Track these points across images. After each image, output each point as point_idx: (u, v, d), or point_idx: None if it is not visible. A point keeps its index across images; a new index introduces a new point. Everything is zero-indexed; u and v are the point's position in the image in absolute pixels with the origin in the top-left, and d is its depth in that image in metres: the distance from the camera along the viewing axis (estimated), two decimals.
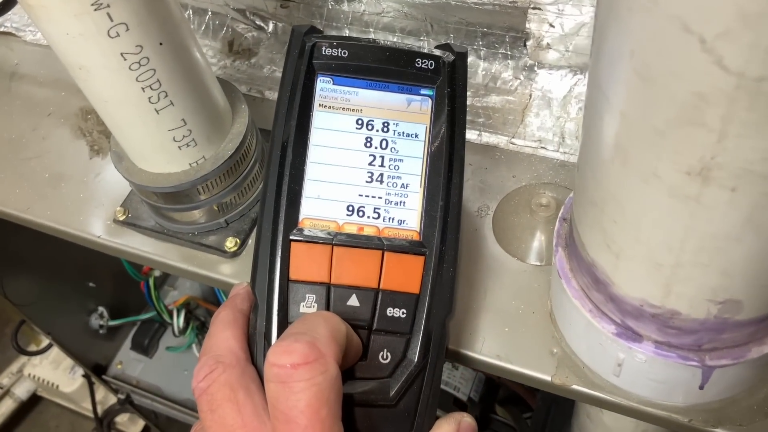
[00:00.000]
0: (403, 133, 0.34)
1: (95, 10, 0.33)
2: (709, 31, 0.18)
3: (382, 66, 0.35)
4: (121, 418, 1.28)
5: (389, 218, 0.33)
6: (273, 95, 0.53)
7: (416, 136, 0.34)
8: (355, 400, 0.31)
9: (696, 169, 0.22)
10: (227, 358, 0.31)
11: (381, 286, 0.32)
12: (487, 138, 0.47)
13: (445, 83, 0.35)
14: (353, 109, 0.34)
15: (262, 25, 0.56)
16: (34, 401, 1.46)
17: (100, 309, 0.96)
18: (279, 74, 0.54)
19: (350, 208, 0.33)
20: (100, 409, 1.22)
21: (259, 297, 0.32)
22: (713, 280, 0.26)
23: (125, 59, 0.36)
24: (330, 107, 0.34)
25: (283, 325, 0.32)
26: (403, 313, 0.32)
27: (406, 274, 0.32)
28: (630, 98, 0.23)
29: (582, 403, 0.52)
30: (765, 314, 0.28)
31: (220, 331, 0.32)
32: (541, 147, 0.46)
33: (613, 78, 0.23)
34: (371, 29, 0.51)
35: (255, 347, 0.32)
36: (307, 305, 0.32)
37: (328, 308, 0.32)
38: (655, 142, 0.23)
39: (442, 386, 0.77)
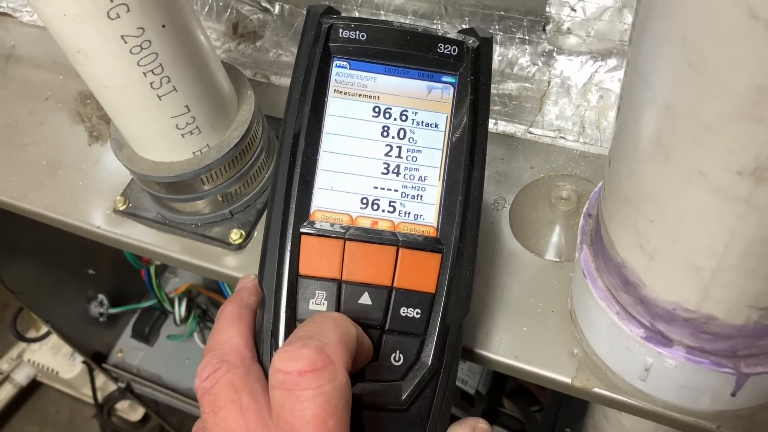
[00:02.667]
0: (423, 122, 0.33)
1: None
2: None
3: (402, 50, 0.33)
4: (122, 405, 1.28)
5: (405, 212, 0.32)
6: (279, 80, 0.51)
7: (436, 126, 0.33)
8: (364, 403, 0.29)
9: (749, 168, 0.20)
10: (231, 357, 0.29)
11: (395, 285, 0.31)
12: (504, 127, 0.45)
13: (469, 70, 0.33)
14: (370, 96, 0.33)
15: (268, 6, 0.54)
16: (33, 387, 1.45)
17: (100, 296, 0.95)
18: (286, 58, 0.52)
19: (364, 201, 0.32)
20: (100, 396, 1.21)
21: (266, 292, 0.31)
22: (758, 286, 0.24)
23: (126, 42, 0.34)
24: (346, 93, 0.33)
25: (291, 322, 0.30)
26: (417, 313, 0.31)
27: (421, 272, 0.31)
28: (678, 89, 0.21)
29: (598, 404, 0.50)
30: None
31: (225, 328, 0.31)
32: (560, 137, 0.44)
33: (659, 66, 0.21)
34: (382, 12, 0.49)
35: (261, 345, 0.31)
36: (317, 302, 0.30)
37: (338, 306, 0.30)
38: (704, 138, 0.21)
39: None
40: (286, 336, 0.30)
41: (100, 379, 1.22)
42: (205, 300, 0.98)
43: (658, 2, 0.20)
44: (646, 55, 0.22)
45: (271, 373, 0.26)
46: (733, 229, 0.23)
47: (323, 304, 0.30)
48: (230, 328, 0.31)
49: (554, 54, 0.46)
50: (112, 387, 1.20)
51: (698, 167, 0.22)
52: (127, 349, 1.01)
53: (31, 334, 1.22)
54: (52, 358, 1.31)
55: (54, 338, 1.29)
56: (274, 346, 0.30)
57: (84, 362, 1.20)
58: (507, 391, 0.79)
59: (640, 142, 0.24)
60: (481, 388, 0.75)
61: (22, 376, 1.39)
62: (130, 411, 1.30)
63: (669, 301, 0.28)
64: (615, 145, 0.27)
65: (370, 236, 0.31)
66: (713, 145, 0.21)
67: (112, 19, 0.33)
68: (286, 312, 0.30)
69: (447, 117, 0.32)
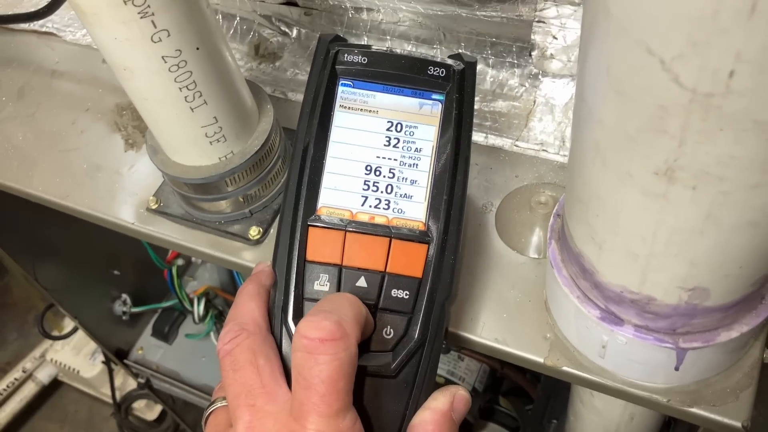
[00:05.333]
0: (414, 133, 0.38)
1: (141, 18, 0.37)
2: (667, 54, 0.22)
3: (397, 72, 0.38)
4: (139, 404, 1.33)
5: (398, 209, 0.37)
6: (296, 96, 0.57)
7: (426, 136, 0.38)
8: (360, 369, 0.34)
9: (662, 170, 0.26)
10: (250, 326, 0.34)
11: (387, 270, 0.36)
12: (493, 140, 0.51)
13: (455, 89, 0.38)
14: (370, 111, 0.38)
15: (287, 30, 0.60)
16: (54, 386, 1.51)
17: (124, 296, 1.00)
18: (301, 77, 0.58)
19: (363, 199, 0.37)
20: (118, 395, 1.27)
21: (278, 275, 0.36)
22: (682, 269, 0.30)
23: (165, 62, 0.39)
24: (349, 108, 0.38)
25: (299, 300, 0.35)
26: (406, 294, 0.36)
27: (410, 260, 0.36)
28: (607, 109, 0.26)
29: (576, 391, 0.55)
30: (731, 302, 0.32)
31: (245, 303, 0.36)
32: (543, 150, 0.50)
33: (594, 91, 0.27)
34: (388, 37, 0.55)
35: (274, 319, 0.36)
36: (321, 284, 0.36)
37: (339, 287, 0.36)
38: (628, 146, 0.26)
39: (448, 376, 0.80)
40: (295, 311, 0.35)
41: (119, 378, 1.28)
42: (222, 302, 1.04)
43: (591, 42, 0.26)
44: (585, 83, 0.27)
45: (296, 337, 0.31)
46: (657, 221, 0.28)
47: (326, 285, 0.36)
48: (250, 303, 0.36)
49: (540, 76, 0.52)
50: (130, 387, 1.26)
51: (626, 170, 0.27)
52: (148, 347, 1.07)
53: (55, 333, 1.28)
54: (73, 357, 1.37)
55: (76, 338, 1.36)
56: (284, 320, 0.35)
57: (104, 362, 1.26)
58: (503, 390, 0.84)
59: (585, 151, 0.29)
60: (478, 386, 0.80)
61: (44, 375, 1.45)
62: (147, 410, 1.36)
63: (617, 285, 0.33)
64: (570, 154, 0.33)
65: (367, 229, 0.36)
66: (635, 151, 0.26)
67: (155, 43, 0.38)
68: (295, 291, 0.35)
69: (436, 129, 0.38)
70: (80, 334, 1.23)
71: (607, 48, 0.24)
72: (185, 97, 0.42)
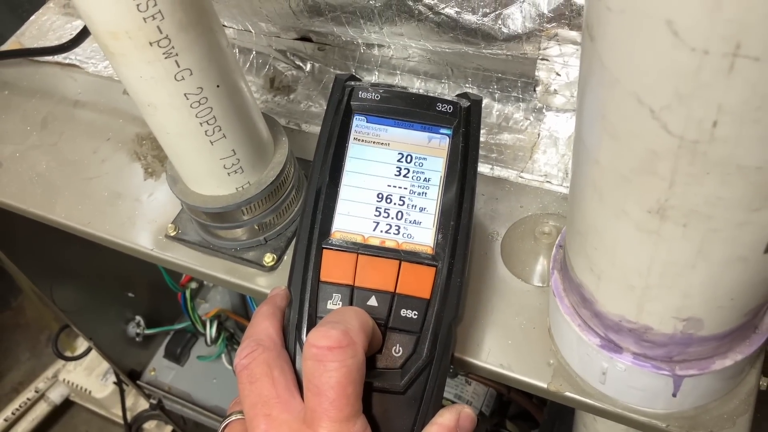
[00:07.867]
0: (424, 164, 0.40)
1: (166, 58, 0.39)
2: (656, 105, 0.24)
3: (408, 108, 0.41)
4: (149, 425, 1.34)
5: (407, 234, 0.39)
6: (309, 128, 0.59)
7: (434, 167, 0.40)
8: (370, 386, 0.36)
9: (655, 208, 0.27)
10: (266, 342, 0.36)
11: (397, 291, 0.38)
12: (499, 172, 0.53)
13: (461, 125, 0.40)
14: (382, 143, 0.41)
15: (301, 64, 0.62)
16: (66, 406, 1.52)
17: (137, 318, 1.02)
18: (315, 109, 0.60)
19: (375, 225, 0.39)
20: (129, 416, 1.28)
21: (293, 294, 0.38)
22: (676, 300, 0.31)
23: (188, 99, 0.42)
24: (363, 141, 0.41)
25: (312, 318, 0.37)
26: (414, 314, 0.38)
27: (419, 282, 0.38)
28: (603, 150, 0.28)
29: (579, 415, 0.56)
30: (725, 331, 0.33)
31: (261, 321, 0.38)
32: (547, 181, 0.51)
33: (591, 134, 0.29)
34: (398, 72, 0.57)
35: (288, 336, 0.38)
36: (334, 303, 0.38)
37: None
38: (622, 185, 0.28)
39: (455, 400, 0.82)
40: (309, 328, 0.37)
41: (130, 399, 1.29)
42: (233, 324, 1.05)
43: (586, 89, 0.28)
44: (583, 126, 0.29)
45: (305, 347, 0.33)
46: (651, 255, 0.30)
47: (339, 304, 0.38)
48: (265, 321, 0.38)
49: (544, 110, 0.54)
50: (141, 407, 1.27)
51: (621, 207, 0.29)
52: (160, 368, 1.08)
53: (68, 354, 1.30)
54: (85, 378, 1.38)
55: (88, 359, 1.37)
56: (298, 336, 0.37)
57: (115, 382, 1.27)
58: (509, 414, 0.85)
59: (583, 188, 0.31)
60: (485, 410, 0.81)
61: (56, 395, 1.46)
62: (157, 431, 1.37)
63: (615, 314, 0.35)
64: (570, 189, 0.35)
65: (378, 252, 0.38)
66: (629, 190, 0.28)
67: (178, 81, 0.41)
68: (309, 310, 0.38)
69: (443, 160, 0.40)
70: (92, 354, 1.25)
71: (601, 96, 0.26)
72: (205, 131, 0.44)
